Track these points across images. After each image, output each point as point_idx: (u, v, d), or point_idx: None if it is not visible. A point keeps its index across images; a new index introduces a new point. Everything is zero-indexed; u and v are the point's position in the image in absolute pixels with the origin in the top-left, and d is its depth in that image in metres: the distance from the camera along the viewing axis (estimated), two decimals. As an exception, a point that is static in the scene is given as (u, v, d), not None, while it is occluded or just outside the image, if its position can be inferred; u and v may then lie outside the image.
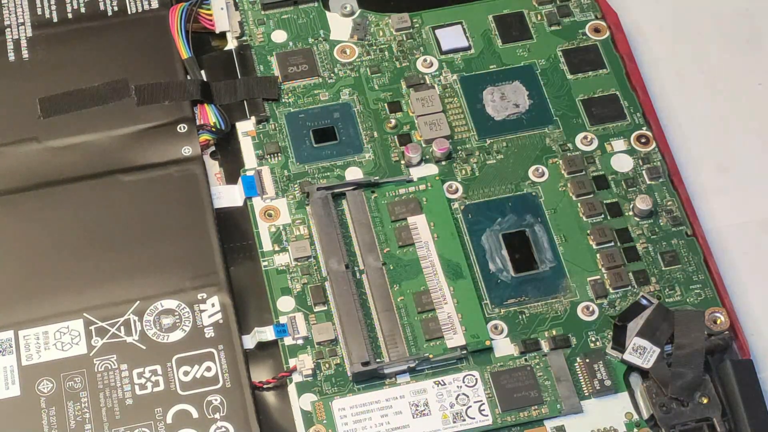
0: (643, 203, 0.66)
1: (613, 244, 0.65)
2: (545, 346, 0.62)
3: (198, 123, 0.68)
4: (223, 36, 0.72)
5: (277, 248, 0.65)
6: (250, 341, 0.62)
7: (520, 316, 0.63)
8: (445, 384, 0.61)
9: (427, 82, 0.71)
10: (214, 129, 0.68)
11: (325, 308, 0.63)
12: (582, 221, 0.66)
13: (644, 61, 0.72)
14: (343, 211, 0.66)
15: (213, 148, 0.69)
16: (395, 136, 0.69)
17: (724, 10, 0.75)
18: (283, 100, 0.70)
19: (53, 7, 0.72)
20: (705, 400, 0.60)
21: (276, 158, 0.68)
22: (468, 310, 0.63)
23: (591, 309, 0.64)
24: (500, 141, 0.69)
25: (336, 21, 0.73)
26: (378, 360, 0.61)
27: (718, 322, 0.63)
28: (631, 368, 0.62)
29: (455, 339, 0.62)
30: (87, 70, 0.69)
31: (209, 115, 0.68)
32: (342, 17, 0.73)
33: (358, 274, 0.64)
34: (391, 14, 0.73)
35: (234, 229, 0.66)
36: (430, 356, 0.62)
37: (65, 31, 0.71)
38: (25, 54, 0.70)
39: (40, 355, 0.61)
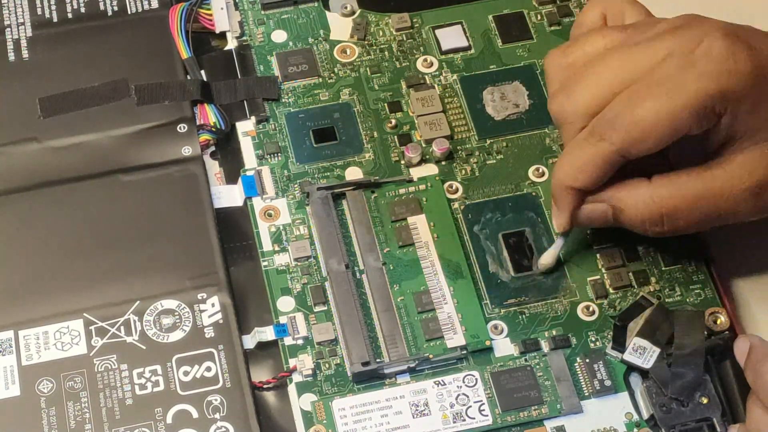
0: (643, 203, 0.66)
1: (613, 244, 0.65)
2: (545, 346, 0.62)
3: (198, 123, 0.68)
4: (223, 36, 0.72)
5: (277, 248, 0.65)
6: (250, 341, 0.62)
7: (520, 316, 0.63)
8: (445, 384, 0.61)
9: (427, 82, 0.71)
10: (214, 129, 0.68)
11: (325, 308, 0.63)
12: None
13: (644, 61, 0.72)
14: (343, 211, 0.66)
15: (213, 148, 0.69)
16: (395, 136, 0.69)
17: (728, 13, 0.75)
18: (283, 100, 0.70)
19: (53, 7, 0.72)
20: (705, 400, 0.60)
21: (276, 158, 0.68)
22: (468, 310, 0.63)
23: (591, 309, 0.64)
24: (500, 141, 0.69)
25: (336, 21, 0.73)
26: (378, 360, 0.61)
27: (718, 322, 0.63)
28: (631, 368, 0.62)
29: (455, 339, 0.62)
30: (87, 70, 0.69)
31: (209, 115, 0.68)
32: (342, 17, 0.73)
33: (358, 274, 0.64)
34: (391, 14, 0.73)
35: (234, 229, 0.66)
36: (430, 356, 0.62)
37: (65, 31, 0.71)
38: (25, 54, 0.70)
39: (40, 355, 0.61)
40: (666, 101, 0.57)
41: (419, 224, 0.66)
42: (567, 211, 0.61)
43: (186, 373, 0.61)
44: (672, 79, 0.57)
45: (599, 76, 0.59)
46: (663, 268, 0.65)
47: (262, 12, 0.73)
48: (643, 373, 0.61)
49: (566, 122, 0.60)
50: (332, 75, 0.71)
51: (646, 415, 0.61)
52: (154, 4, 0.72)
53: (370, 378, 0.61)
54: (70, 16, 0.72)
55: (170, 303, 0.63)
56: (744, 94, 0.57)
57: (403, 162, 0.68)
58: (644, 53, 0.59)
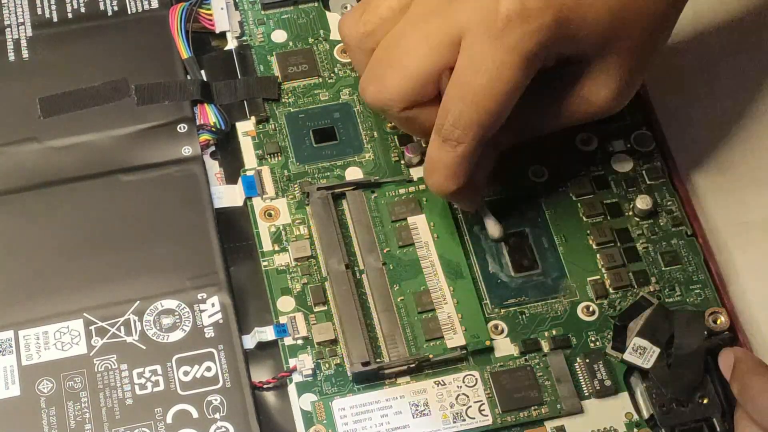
0: (643, 203, 0.66)
1: (613, 244, 0.65)
2: (545, 346, 0.62)
3: (198, 123, 0.68)
4: (223, 36, 0.72)
5: (277, 248, 0.65)
6: (250, 341, 0.62)
7: (520, 316, 0.63)
8: (445, 384, 0.61)
9: (427, 82, 0.71)
10: (214, 129, 0.68)
11: (325, 308, 0.63)
12: (582, 221, 0.66)
13: (644, 61, 0.72)
14: (343, 211, 0.66)
15: (213, 148, 0.69)
16: (395, 136, 0.69)
17: (727, 8, 0.75)
18: (283, 100, 0.70)
19: (53, 7, 0.72)
20: (705, 400, 0.60)
21: (276, 158, 0.68)
22: (468, 310, 0.63)
23: (591, 309, 0.64)
24: (500, 141, 0.69)
25: (336, 21, 0.73)
26: (378, 360, 0.61)
27: (718, 322, 0.63)
28: (631, 368, 0.62)
29: (455, 339, 0.62)
30: (87, 70, 0.69)
31: (209, 115, 0.68)
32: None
33: (358, 274, 0.64)
34: (391, 14, 0.73)
35: (234, 229, 0.66)
36: (430, 356, 0.62)
37: (65, 31, 0.71)
38: (25, 54, 0.70)
39: (40, 355, 0.61)
40: (496, 82, 0.56)
41: (419, 224, 0.66)
42: (472, 202, 0.63)
43: (186, 373, 0.61)
44: (487, 58, 0.56)
45: (405, 58, 0.59)
46: (663, 268, 0.65)
47: (262, 12, 0.73)
48: (643, 373, 0.61)
49: (388, 111, 0.61)
50: (332, 75, 0.71)
51: (646, 415, 0.61)
52: (154, 4, 0.72)
53: (370, 378, 0.61)
54: (70, 16, 0.72)
55: (170, 303, 0.63)
56: (561, 36, 0.57)
57: (403, 162, 0.68)
58: (443, 25, 0.58)
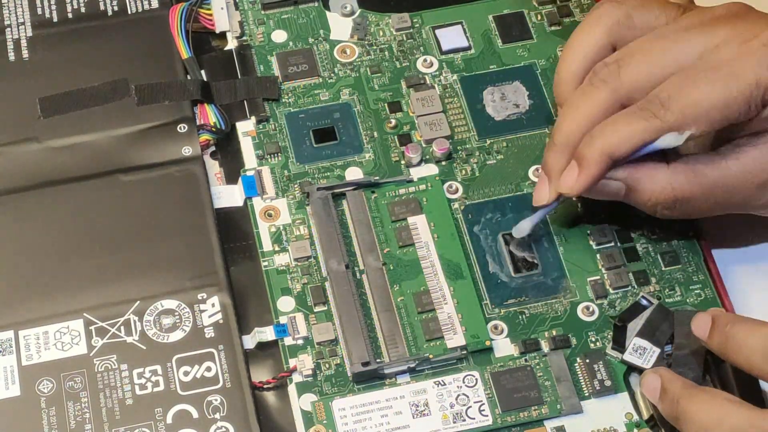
0: (643, 203, 0.66)
1: (613, 244, 0.65)
2: (545, 347, 0.63)
3: (198, 123, 0.68)
4: (223, 36, 0.72)
5: (277, 248, 0.65)
6: (250, 341, 0.62)
7: (520, 317, 0.63)
8: (445, 384, 0.61)
9: (427, 82, 0.71)
10: (214, 129, 0.68)
11: (325, 308, 0.63)
12: (582, 221, 0.66)
13: (644, 61, 0.72)
14: (343, 211, 0.66)
15: (213, 148, 0.69)
16: (395, 136, 0.69)
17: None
18: (283, 100, 0.70)
19: (53, 7, 0.72)
20: (705, 400, 0.60)
21: (276, 158, 0.68)
22: (468, 310, 0.63)
23: (591, 309, 0.64)
24: (500, 141, 0.69)
25: (336, 21, 0.73)
26: (378, 360, 0.61)
27: (718, 322, 0.63)
28: (631, 368, 0.62)
29: (455, 339, 0.62)
30: (87, 70, 0.69)
31: (209, 115, 0.68)
32: (342, 17, 0.73)
33: (358, 274, 0.64)
34: (391, 14, 0.73)
35: (234, 229, 0.66)
36: (430, 356, 0.62)
37: (65, 31, 0.71)
38: (25, 54, 0.70)
39: (40, 355, 0.61)
40: (722, 87, 0.58)
41: (419, 224, 0.66)
42: (592, 177, 0.60)
43: (186, 373, 0.61)
44: (729, 65, 0.58)
45: (655, 53, 0.60)
46: (663, 268, 0.65)
47: (262, 12, 0.73)
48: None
49: (610, 89, 0.61)
50: (332, 75, 0.71)
51: (646, 416, 0.61)
52: (154, 4, 0.72)
53: (370, 378, 0.61)
54: (70, 16, 0.72)
55: (170, 303, 0.63)
56: None
57: (403, 162, 0.68)
58: (700, 36, 0.60)
